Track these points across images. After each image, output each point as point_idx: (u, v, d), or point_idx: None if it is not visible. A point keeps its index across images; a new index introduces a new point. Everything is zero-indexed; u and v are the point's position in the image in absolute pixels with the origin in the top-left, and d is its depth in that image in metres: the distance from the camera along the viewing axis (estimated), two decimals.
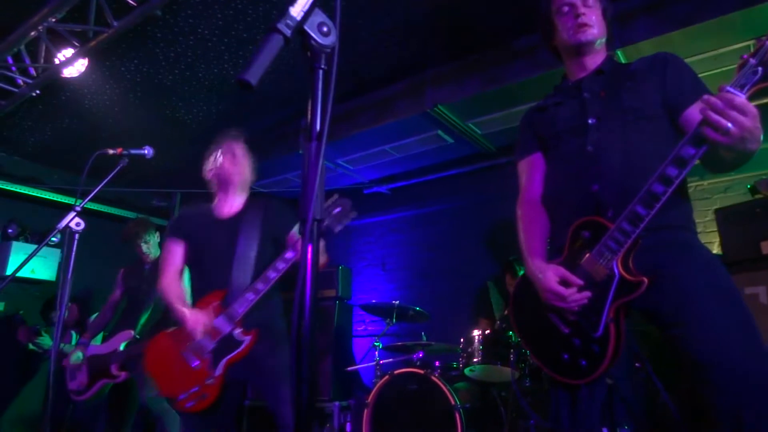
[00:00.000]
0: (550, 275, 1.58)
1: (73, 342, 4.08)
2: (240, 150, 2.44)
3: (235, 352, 2.14)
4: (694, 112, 1.52)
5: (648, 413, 3.34)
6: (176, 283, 2.30)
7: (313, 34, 0.85)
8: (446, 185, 5.27)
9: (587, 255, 1.55)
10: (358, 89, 4.42)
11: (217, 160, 2.40)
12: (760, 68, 1.27)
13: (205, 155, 2.47)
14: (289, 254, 2.13)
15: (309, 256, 0.74)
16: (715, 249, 3.32)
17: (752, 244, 2.57)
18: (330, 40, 0.86)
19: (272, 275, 2.13)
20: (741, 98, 1.26)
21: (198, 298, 2.28)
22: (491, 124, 4.39)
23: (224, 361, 2.13)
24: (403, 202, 5.61)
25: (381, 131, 4.50)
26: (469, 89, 3.96)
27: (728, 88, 1.28)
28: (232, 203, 2.41)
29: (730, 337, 1.38)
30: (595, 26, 1.71)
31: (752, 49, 1.32)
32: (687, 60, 1.67)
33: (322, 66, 0.84)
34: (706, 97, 1.29)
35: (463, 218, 5.15)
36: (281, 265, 2.12)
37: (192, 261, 2.37)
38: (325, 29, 0.86)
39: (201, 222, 2.37)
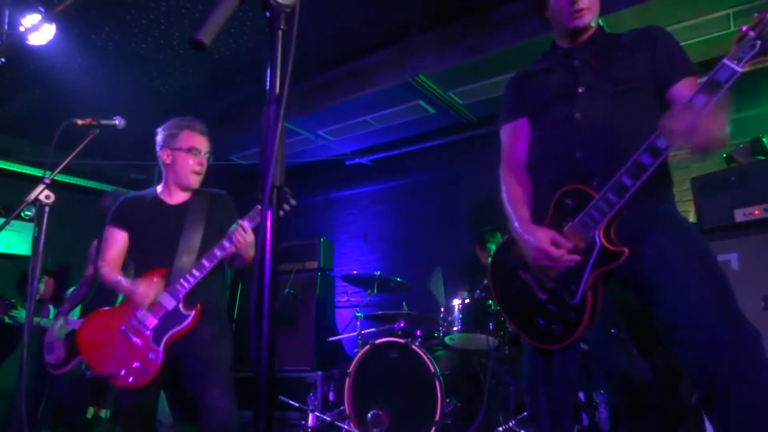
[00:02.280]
0: (542, 236, 1.57)
1: (51, 316, 4.04)
2: (205, 155, 2.35)
3: (179, 327, 2.14)
4: (680, 89, 1.54)
5: (624, 378, 3.42)
6: (114, 270, 2.29)
7: None
8: (428, 156, 5.24)
9: (570, 223, 1.56)
10: (338, 58, 4.34)
11: (178, 151, 2.31)
12: (758, 42, 1.28)
13: (166, 129, 2.36)
14: (236, 234, 2.14)
15: (268, 222, 0.72)
16: (691, 217, 3.37)
17: (726, 212, 2.60)
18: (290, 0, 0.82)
19: (218, 253, 2.14)
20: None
21: (139, 277, 2.25)
22: (473, 93, 4.36)
23: (167, 335, 2.14)
24: (385, 173, 5.58)
25: (362, 101, 4.44)
26: (451, 59, 3.91)
27: (724, 60, 1.29)
28: (181, 194, 2.37)
29: (705, 300, 1.41)
30: (590, 10, 1.68)
31: (735, 20, 1.32)
32: (668, 28, 1.67)
33: (282, 26, 0.81)
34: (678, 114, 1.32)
35: (445, 189, 5.15)
36: (227, 243, 2.14)
37: (136, 248, 2.34)
38: None
39: (146, 210, 2.34)
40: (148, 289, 2.14)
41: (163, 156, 2.33)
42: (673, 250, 1.48)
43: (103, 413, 4.35)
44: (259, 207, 2.04)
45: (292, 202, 2.19)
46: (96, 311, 2.34)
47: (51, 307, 4.21)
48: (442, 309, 3.52)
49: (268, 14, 0.81)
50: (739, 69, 1.28)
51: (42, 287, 4.35)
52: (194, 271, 2.15)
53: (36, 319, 3.70)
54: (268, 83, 0.80)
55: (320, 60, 4.32)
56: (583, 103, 1.62)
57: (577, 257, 1.54)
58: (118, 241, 2.33)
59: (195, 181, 2.33)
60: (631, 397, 3.28)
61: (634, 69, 1.61)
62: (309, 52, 4.14)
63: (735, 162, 2.92)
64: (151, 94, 4.51)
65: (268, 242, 0.72)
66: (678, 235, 1.51)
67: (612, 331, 3.30)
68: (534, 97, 1.78)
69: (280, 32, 0.80)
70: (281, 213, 2.07)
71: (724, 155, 2.98)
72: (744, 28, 1.30)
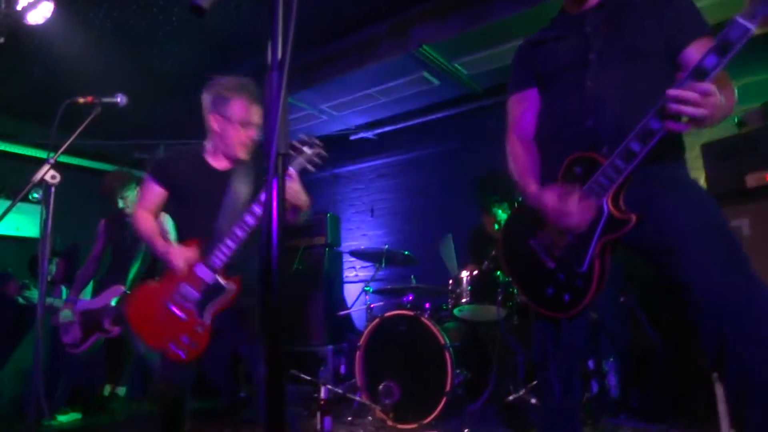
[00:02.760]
0: (548, 195, 1.57)
1: (63, 296, 4.09)
2: (257, 124, 2.21)
3: (222, 298, 2.12)
4: (692, 52, 1.50)
5: (632, 345, 3.44)
6: (150, 219, 2.24)
7: None
8: (434, 129, 5.19)
9: (578, 191, 1.54)
10: (340, 30, 4.26)
11: (228, 121, 2.18)
12: None
13: (216, 91, 2.19)
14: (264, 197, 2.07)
15: (274, 191, 0.71)
16: (701, 183, 3.33)
17: (737, 177, 2.56)
18: None
19: (250, 220, 2.04)
20: (703, 85, 1.27)
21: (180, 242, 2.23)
22: (478, 64, 4.28)
23: (212, 308, 2.12)
24: (390, 147, 5.54)
25: (365, 74, 4.38)
26: (454, 28, 3.83)
27: (737, 18, 1.26)
28: (227, 160, 2.28)
29: (717, 261, 1.40)
30: None
31: None
32: None
33: None
34: (676, 93, 1.30)
35: (451, 162, 5.11)
36: (258, 209, 2.03)
37: (176, 209, 2.30)
38: None
39: (191, 170, 2.24)
40: (184, 252, 2.10)
41: (212, 121, 2.19)
42: (684, 212, 1.46)
43: (120, 390, 4.44)
44: (295, 155, 2.01)
45: (317, 149, 2.09)
46: (142, 285, 2.32)
47: (63, 288, 4.25)
48: (451, 281, 3.53)
49: None
50: (752, 27, 1.24)
51: (53, 268, 4.40)
52: (228, 242, 2.07)
53: (49, 300, 3.75)
54: (269, 51, 0.77)
55: (322, 32, 4.25)
56: (594, 71, 1.59)
57: (591, 203, 1.52)
58: (153, 194, 2.27)
59: (244, 153, 2.23)
60: (640, 364, 3.30)
61: (645, 34, 1.57)
62: (310, 25, 4.06)
63: (747, 126, 2.86)
64: (151, 72, 4.46)
65: (274, 211, 0.71)
66: (689, 197, 1.50)
67: (621, 299, 3.31)
68: (543, 67, 1.74)
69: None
70: (314, 164, 2.06)
71: (736, 120, 2.93)
72: None
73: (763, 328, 1.33)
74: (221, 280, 2.12)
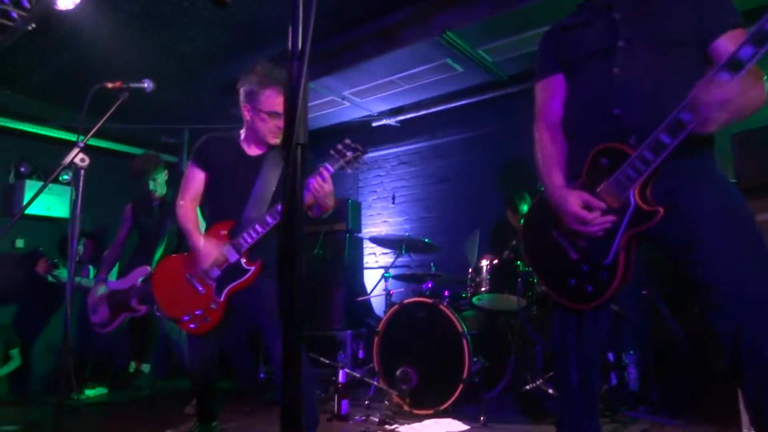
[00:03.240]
0: (572, 200, 1.56)
1: (91, 276, 4.21)
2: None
3: (240, 280, 2.19)
4: (723, 44, 1.46)
5: (653, 338, 3.40)
6: (192, 209, 2.34)
7: None
8: (457, 116, 5.15)
9: (605, 182, 1.52)
10: (363, 16, 4.23)
11: (258, 112, 2.25)
12: None
13: (248, 83, 2.27)
14: (313, 182, 2.12)
15: (293, 180, 0.72)
16: (730, 175, 3.25)
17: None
18: None
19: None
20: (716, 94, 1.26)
21: (208, 226, 2.33)
22: (502, 50, 4.22)
23: (228, 287, 2.20)
24: (412, 134, 5.52)
25: (389, 61, 4.35)
26: (480, 13, 3.78)
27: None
28: (259, 147, 2.36)
29: (739, 262, 1.38)
30: None
31: None
32: None
33: None
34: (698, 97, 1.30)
35: (473, 149, 5.07)
36: (317, 185, 2.11)
37: (209, 191, 2.37)
38: None
39: (226, 154, 2.34)
40: (212, 250, 2.19)
41: (244, 111, 2.31)
42: (709, 208, 1.43)
43: (144, 368, 4.58)
44: (335, 155, 2.11)
45: (360, 154, 2.22)
46: (168, 256, 2.44)
47: (90, 268, 4.38)
48: (471, 270, 3.53)
49: None
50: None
51: (81, 249, 4.53)
52: (258, 227, 2.16)
53: (77, 279, 3.87)
54: (290, 39, 0.78)
55: (345, 18, 4.23)
56: (622, 58, 1.55)
57: (610, 218, 1.51)
58: (196, 180, 2.36)
59: (274, 140, 2.31)
60: (661, 357, 3.27)
61: (676, 21, 1.52)
62: (334, 11, 4.05)
63: None
64: (176, 57, 4.51)
65: (294, 201, 0.72)
66: (715, 192, 1.46)
67: (643, 292, 3.27)
68: (570, 53, 1.71)
69: None
70: (353, 168, 2.18)
71: None
72: None
73: None
74: (243, 262, 2.18)
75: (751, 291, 1.34)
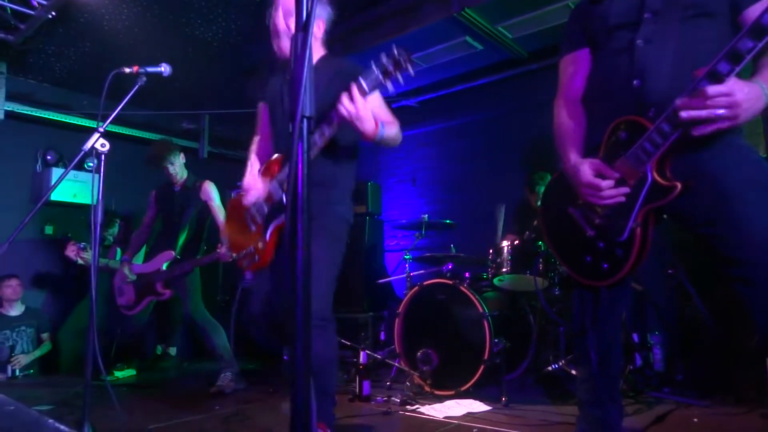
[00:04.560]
0: (585, 168, 1.54)
1: (118, 257, 4.30)
2: (282, 18, 2.04)
3: (281, 218, 2.07)
4: (755, 11, 1.39)
5: (679, 319, 3.34)
6: (260, 145, 2.28)
7: None
8: (476, 95, 5.07)
9: (622, 156, 1.48)
10: None
11: (271, 26, 2.10)
12: None
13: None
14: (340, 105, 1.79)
15: (299, 154, 0.71)
16: (762, 152, 3.13)
17: None
18: None
19: (326, 129, 1.85)
20: (714, 87, 1.24)
21: (264, 161, 2.21)
22: (522, 26, 4.12)
23: (273, 226, 2.08)
24: (432, 115, 5.45)
25: (406, 40, 4.28)
26: None
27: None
28: None
29: None
30: None
31: None
32: None
33: None
34: (680, 102, 1.30)
35: (494, 129, 4.99)
36: (335, 117, 1.81)
37: (270, 124, 2.27)
38: None
39: (275, 83, 2.23)
40: (258, 187, 2.08)
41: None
42: (738, 180, 1.38)
43: (171, 350, 4.68)
44: (376, 70, 1.73)
45: (402, 62, 1.71)
46: (238, 194, 2.33)
47: (118, 249, 4.48)
48: (491, 251, 3.49)
49: None
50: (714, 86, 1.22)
51: (116, 230, 4.64)
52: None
53: (104, 261, 3.95)
54: (294, 10, 0.77)
55: None
56: (646, 30, 1.50)
57: (624, 189, 1.47)
58: (261, 116, 2.30)
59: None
60: (687, 338, 3.20)
61: None
62: None
63: None
64: (196, 42, 4.52)
65: (300, 174, 0.71)
66: (742, 165, 1.41)
67: (669, 271, 3.20)
68: (597, 26, 1.66)
69: None
70: (393, 79, 1.73)
71: None
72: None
73: None
74: (285, 199, 2.04)
75: None
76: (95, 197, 2.25)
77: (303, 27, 0.73)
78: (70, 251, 3.87)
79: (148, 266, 3.73)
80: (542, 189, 3.69)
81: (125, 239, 4.57)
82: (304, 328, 0.71)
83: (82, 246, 3.88)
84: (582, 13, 1.74)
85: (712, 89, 1.25)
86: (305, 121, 0.72)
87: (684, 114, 1.30)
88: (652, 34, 1.49)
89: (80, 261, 3.88)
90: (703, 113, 1.27)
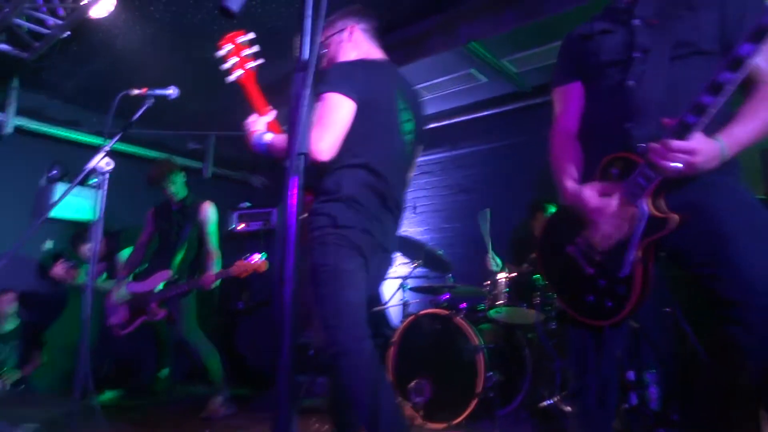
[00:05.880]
0: (587, 192, 1.53)
1: (102, 278, 4.27)
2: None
3: None
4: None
5: (675, 357, 3.30)
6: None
7: None
8: (479, 126, 5.13)
9: (620, 192, 1.49)
10: (388, 26, 4.26)
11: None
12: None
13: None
14: None
15: (295, 189, 0.73)
16: (759, 192, 3.14)
17: None
18: None
19: None
20: (677, 143, 1.29)
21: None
22: (527, 60, 4.20)
23: None
24: (434, 144, 5.51)
25: (413, 70, 4.36)
26: (505, 23, 3.76)
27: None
28: None
29: (765, 277, 1.32)
30: None
31: None
32: None
33: None
34: (650, 144, 1.36)
35: (496, 161, 5.03)
36: None
37: None
38: None
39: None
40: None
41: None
42: (731, 221, 1.38)
43: (162, 372, 4.62)
44: None
45: None
46: None
47: (104, 273, 4.44)
48: (488, 282, 3.49)
49: None
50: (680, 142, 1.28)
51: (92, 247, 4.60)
52: None
53: (84, 278, 3.93)
54: (298, 50, 0.79)
55: None
56: (638, 69, 1.51)
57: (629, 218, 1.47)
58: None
59: None
60: (683, 377, 3.17)
61: (699, 29, 1.47)
62: None
63: None
64: (204, 64, 4.59)
65: (293, 211, 0.72)
66: (737, 206, 1.41)
67: (666, 309, 3.18)
68: (588, 62, 1.67)
69: None
70: None
71: None
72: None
73: None
74: None
75: None
76: (96, 215, 2.27)
77: (305, 66, 0.76)
78: (58, 270, 3.84)
79: (143, 285, 3.69)
80: (551, 209, 3.69)
81: (107, 256, 4.52)
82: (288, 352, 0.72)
83: (71, 264, 3.85)
84: (572, 46, 1.75)
85: (676, 144, 1.30)
86: (301, 157, 0.74)
87: (649, 155, 1.36)
88: (644, 75, 1.50)
89: (69, 280, 3.85)
90: (662, 162, 1.33)
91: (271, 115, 2.00)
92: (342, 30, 2.07)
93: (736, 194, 1.45)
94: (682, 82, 1.45)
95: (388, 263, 2.01)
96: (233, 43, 2.06)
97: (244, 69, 2.05)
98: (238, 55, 2.05)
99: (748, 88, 1.42)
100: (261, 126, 1.95)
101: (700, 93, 1.28)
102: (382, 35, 4.40)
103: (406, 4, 3.94)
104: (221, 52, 2.02)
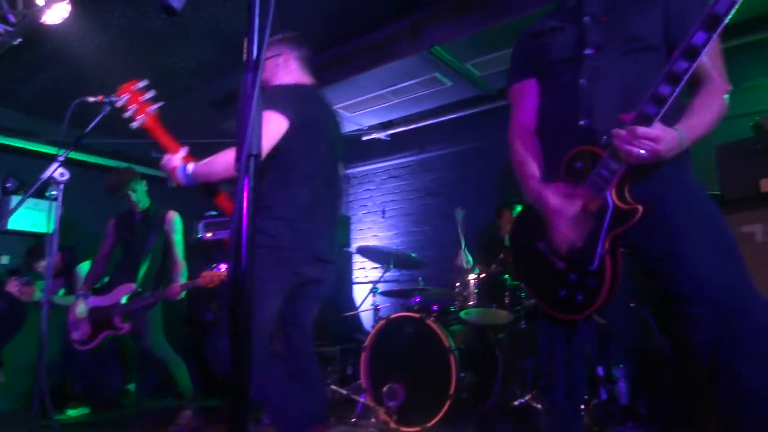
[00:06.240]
0: (549, 193, 1.54)
1: (60, 293, 4.12)
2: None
3: None
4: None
5: (643, 352, 3.37)
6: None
7: None
8: (446, 130, 5.16)
9: (581, 186, 1.50)
10: (353, 31, 4.26)
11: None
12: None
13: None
14: None
15: (245, 192, 0.71)
16: (713, 188, 3.24)
17: (751, 182, 2.50)
18: None
19: None
20: (642, 129, 1.30)
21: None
22: (491, 64, 4.24)
23: None
24: (402, 148, 5.53)
25: (378, 75, 4.38)
26: (467, 28, 3.80)
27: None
28: None
29: (713, 272, 1.36)
30: None
31: None
32: None
33: None
34: (614, 131, 1.37)
35: (463, 163, 5.07)
36: None
37: None
38: None
39: None
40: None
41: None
42: (685, 217, 1.42)
43: (130, 387, 4.48)
44: None
45: None
46: None
47: (62, 289, 4.28)
48: (458, 284, 3.50)
49: None
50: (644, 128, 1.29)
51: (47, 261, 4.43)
52: None
53: (40, 294, 3.78)
54: (245, 50, 0.77)
55: (335, 33, 4.26)
56: (589, 67, 1.53)
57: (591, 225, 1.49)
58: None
59: None
60: (650, 372, 3.24)
61: (647, 25, 1.50)
62: (323, 25, 4.07)
63: (764, 130, 2.79)
64: (165, 71, 4.51)
65: (244, 213, 0.70)
66: (688, 201, 1.45)
67: (631, 305, 3.25)
68: (540, 60, 1.68)
69: None
70: None
71: (752, 123, 2.85)
72: None
73: (761, 345, 1.29)
74: None
75: (728, 306, 1.32)
76: (51, 228, 2.19)
77: (254, 66, 0.74)
78: (12, 287, 3.69)
79: (105, 299, 3.56)
80: (519, 208, 3.74)
81: (64, 271, 4.36)
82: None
83: (25, 281, 3.71)
84: (525, 44, 1.76)
85: (642, 130, 1.31)
86: (252, 159, 0.72)
87: (614, 141, 1.36)
88: (594, 72, 1.52)
89: (23, 297, 3.71)
90: (628, 147, 1.33)
91: (183, 151, 2.13)
92: (278, 55, 2.20)
93: (689, 188, 1.49)
94: (634, 77, 1.48)
95: (330, 271, 2.22)
96: (129, 92, 2.14)
97: (145, 114, 2.14)
98: (137, 102, 2.14)
99: (694, 84, 1.46)
100: (178, 161, 2.07)
101: (658, 84, 1.30)
102: (348, 40, 4.43)
103: (369, 9, 3.94)
104: (119, 103, 2.11)
